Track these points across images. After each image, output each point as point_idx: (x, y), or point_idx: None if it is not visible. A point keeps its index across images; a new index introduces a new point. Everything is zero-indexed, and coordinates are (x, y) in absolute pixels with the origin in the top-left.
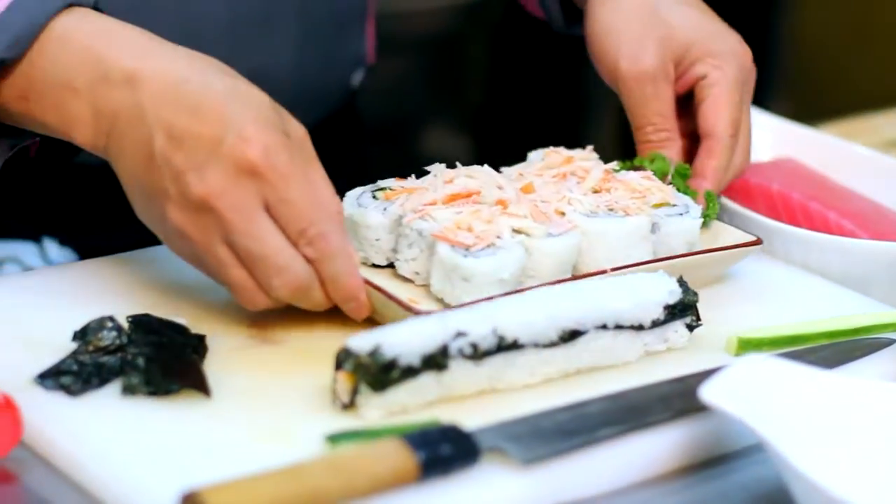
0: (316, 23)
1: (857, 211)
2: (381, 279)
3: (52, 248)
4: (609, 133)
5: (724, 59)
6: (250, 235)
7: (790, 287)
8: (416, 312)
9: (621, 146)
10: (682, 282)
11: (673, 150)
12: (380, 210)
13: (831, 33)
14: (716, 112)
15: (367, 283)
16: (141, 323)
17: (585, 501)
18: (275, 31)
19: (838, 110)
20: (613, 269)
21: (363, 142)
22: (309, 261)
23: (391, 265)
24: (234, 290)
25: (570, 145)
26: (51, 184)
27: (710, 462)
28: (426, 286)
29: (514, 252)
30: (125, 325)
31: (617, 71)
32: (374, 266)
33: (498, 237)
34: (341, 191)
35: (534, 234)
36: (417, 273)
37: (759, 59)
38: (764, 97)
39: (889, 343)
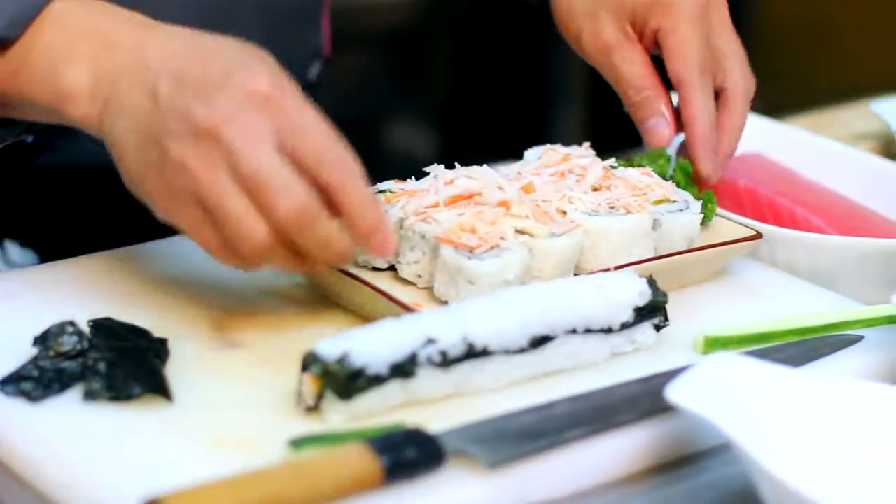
0: (275, 16)
1: (825, 206)
2: (383, 282)
3: (12, 250)
4: (575, 125)
5: (672, 4)
6: (258, 161)
7: (758, 284)
8: None
9: (588, 138)
10: (651, 282)
11: (660, 105)
12: None
13: (796, 25)
14: (677, 60)
15: (369, 285)
16: (102, 327)
17: (552, 503)
18: (235, 28)
19: (804, 103)
20: (617, 268)
21: None
22: (326, 190)
23: (392, 268)
24: (232, 224)
25: (536, 137)
26: (11, 186)
27: (678, 462)
28: (429, 289)
29: (519, 253)
30: (86, 329)
31: (582, 48)
32: (375, 269)
33: (501, 238)
34: None
35: (537, 234)
36: (420, 276)
37: None
38: None
39: (857, 340)
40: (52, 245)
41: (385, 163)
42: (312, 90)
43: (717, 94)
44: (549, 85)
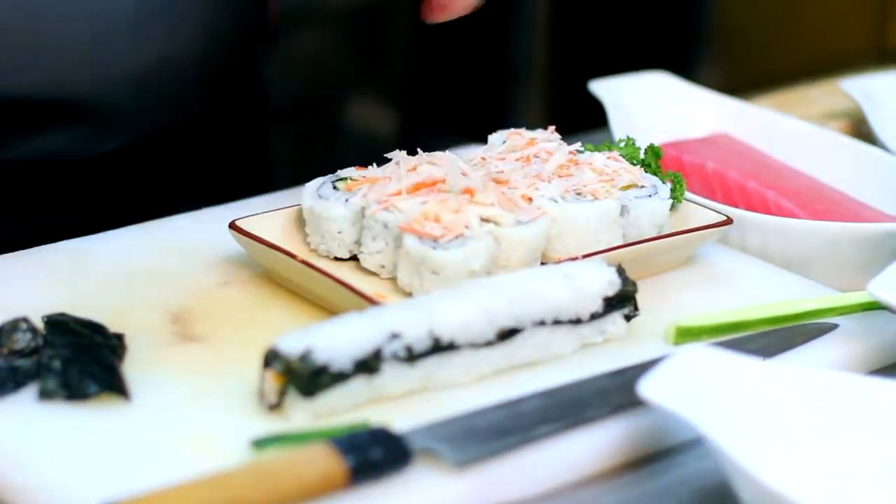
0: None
1: (795, 189)
2: (345, 272)
3: None
4: (535, 104)
5: None
6: None
7: (729, 271)
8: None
9: (548, 118)
10: (621, 271)
11: None
12: (341, 201)
13: (760, 1)
14: None
15: (330, 277)
16: (56, 323)
17: (523, 502)
18: (180, 14)
19: (770, 81)
20: (585, 256)
21: (268, 117)
22: None
23: (354, 258)
24: None
25: (496, 117)
26: None
27: (651, 457)
28: (392, 279)
29: (484, 242)
30: (40, 325)
31: None
32: (337, 259)
33: (466, 227)
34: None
35: (503, 222)
36: (383, 266)
37: (687, 29)
38: (693, 67)
39: (832, 328)
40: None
41: (344, 142)
42: (261, 62)
43: None
44: (509, 63)
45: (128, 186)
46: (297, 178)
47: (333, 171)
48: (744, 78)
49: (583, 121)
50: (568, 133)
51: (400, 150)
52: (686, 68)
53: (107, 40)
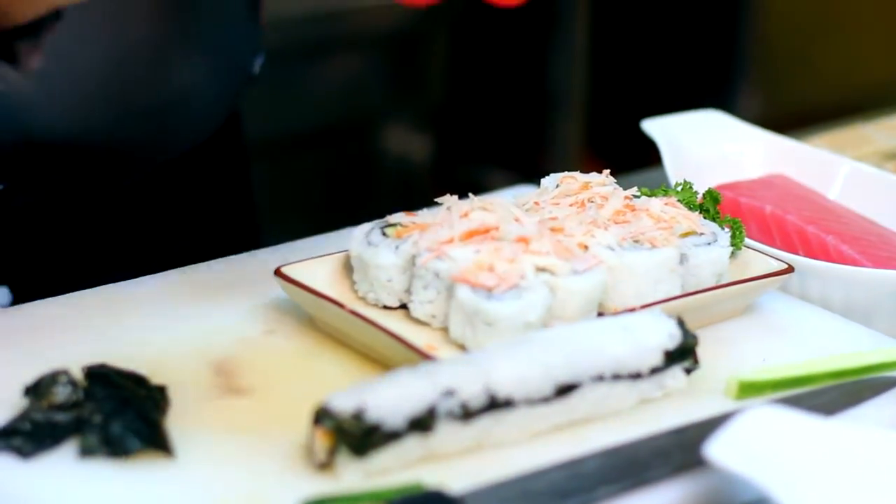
0: (220, 9)
1: (856, 234)
2: (394, 322)
3: None
4: (574, 131)
5: None
6: None
7: (789, 320)
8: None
9: (586, 146)
10: (681, 323)
11: None
12: (391, 249)
13: (800, 31)
14: None
15: (381, 328)
16: (97, 375)
17: None
18: (192, 49)
19: (814, 117)
20: (643, 307)
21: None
22: None
23: (404, 306)
24: None
25: (534, 144)
26: None
27: None
28: (443, 329)
29: (540, 293)
30: (80, 377)
31: None
32: (386, 308)
33: (521, 277)
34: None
35: (558, 272)
36: (434, 316)
37: (726, 61)
38: (732, 101)
39: None
40: (26, 282)
41: (380, 168)
42: (254, 82)
43: None
44: (547, 90)
45: (151, 219)
46: (332, 204)
47: (369, 200)
48: (784, 111)
49: (622, 150)
50: (613, 166)
51: (437, 179)
52: (726, 99)
53: (130, 72)
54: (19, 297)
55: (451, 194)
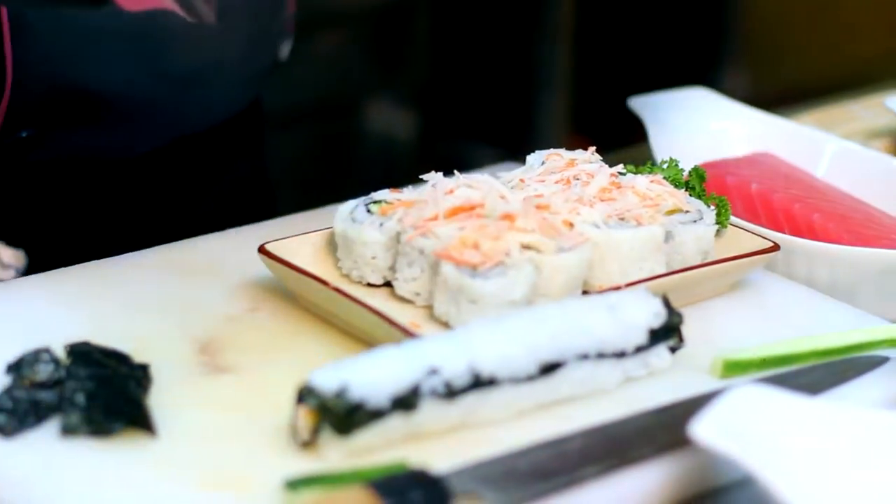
0: (257, 6)
1: (842, 213)
2: (378, 300)
3: (1, 250)
4: (559, 108)
5: None
6: None
7: (774, 298)
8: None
9: (571, 124)
10: (666, 301)
11: None
12: (376, 226)
13: (788, 8)
14: None
15: (365, 305)
16: (80, 353)
17: None
18: (226, 25)
19: (802, 94)
20: (628, 285)
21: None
22: None
23: (388, 284)
24: None
25: (519, 122)
26: (1, 184)
27: (698, 497)
28: (428, 307)
29: (524, 270)
30: (62, 355)
31: None
32: (370, 285)
33: (506, 254)
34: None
35: (544, 249)
36: (418, 294)
37: (714, 37)
38: (719, 77)
39: (882, 361)
40: (42, 244)
41: (364, 145)
42: (282, 68)
43: None
44: (532, 66)
45: (158, 191)
46: (316, 182)
47: (353, 178)
48: (771, 88)
49: (608, 128)
50: (598, 143)
51: (422, 156)
52: (712, 77)
53: (164, 44)
54: (35, 262)
55: (437, 171)
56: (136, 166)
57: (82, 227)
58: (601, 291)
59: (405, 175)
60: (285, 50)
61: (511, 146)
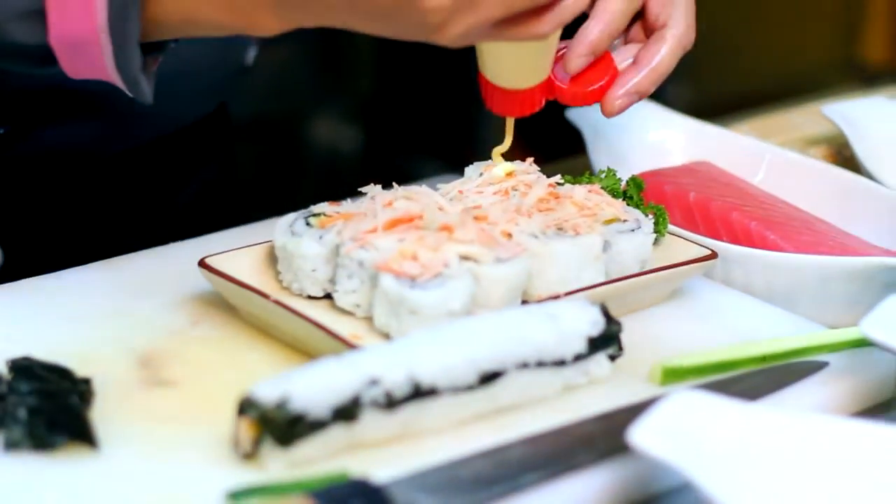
0: None
1: (780, 220)
2: (319, 312)
3: None
4: (500, 120)
5: None
6: None
7: (713, 305)
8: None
9: (517, 137)
10: (605, 310)
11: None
12: (315, 238)
13: (726, 18)
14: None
15: (305, 318)
16: (21, 368)
17: None
18: None
19: (741, 104)
20: (567, 294)
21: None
22: None
23: (328, 296)
24: None
25: (462, 135)
26: None
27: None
28: (368, 319)
29: (463, 281)
30: (4, 370)
31: None
32: (311, 298)
33: (445, 265)
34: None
35: (482, 260)
36: (358, 305)
37: None
38: (660, 89)
39: (821, 366)
40: (18, 240)
41: (308, 158)
42: (249, 73)
43: (650, 34)
44: (473, 79)
45: (130, 189)
46: (260, 198)
47: (298, 192)
48: (710, 98)
49: (551, 139)
50: (539, 155)
51: (365, 169)
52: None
53: None
54: (11, 259)
55: (380, 184)
56: (106, 166)
57: (54, 226)
58: (540, 301)
59: (349, 188)
60: (251, 55)
61: (454, 159)
